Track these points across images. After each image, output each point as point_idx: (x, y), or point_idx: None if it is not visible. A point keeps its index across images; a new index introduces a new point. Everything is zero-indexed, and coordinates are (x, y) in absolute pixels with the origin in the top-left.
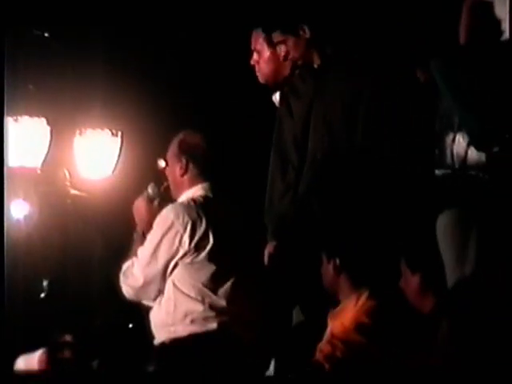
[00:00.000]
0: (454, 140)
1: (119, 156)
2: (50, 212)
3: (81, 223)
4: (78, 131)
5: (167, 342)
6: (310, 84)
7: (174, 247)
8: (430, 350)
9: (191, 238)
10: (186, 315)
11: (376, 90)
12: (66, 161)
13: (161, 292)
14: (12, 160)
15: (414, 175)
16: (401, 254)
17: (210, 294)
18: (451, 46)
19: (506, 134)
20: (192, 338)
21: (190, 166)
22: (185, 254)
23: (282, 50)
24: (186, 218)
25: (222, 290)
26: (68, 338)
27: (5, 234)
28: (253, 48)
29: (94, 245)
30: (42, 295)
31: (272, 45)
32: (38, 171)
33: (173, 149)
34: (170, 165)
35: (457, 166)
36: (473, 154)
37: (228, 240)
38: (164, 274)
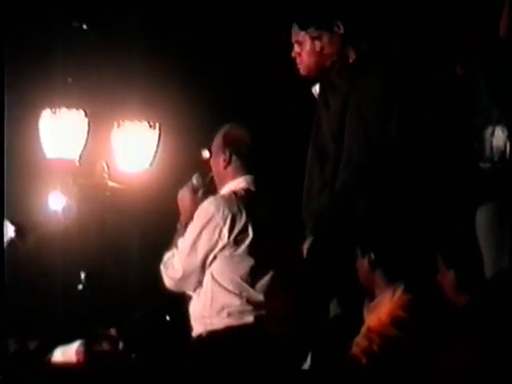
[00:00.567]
0: (493, 133)
1: (157, 148)
2: (88, 204)
3: (118, 216)
4: (115, 123)
5: (204, 334)
6: (345, 79)
7: (214, 240)
8: (467, 345)
9: (230, 231)
10: (222, 308)
11: (412, 85)
12: (104, 153)
13: (200, 284)
14: (50, 152)
15: (452, 170)
16: (436, 249)
17: (248, 287)
18: (491, 41)
19: None
20: (228, 331)
21: (233, 158)
22: (224, 247)
23: (317, 45)
24: (226, 211)
25: (260, 285)
26: (106, 330)
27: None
28: (294, 40)
29: (131, 237)
30: (80, 287)
31: (315, 37)
32: (77, 164)
33: (217, 140)
34: (214, 156)
35: (496, 159)
36: None
37: (267, 234)
38: (203, 266)
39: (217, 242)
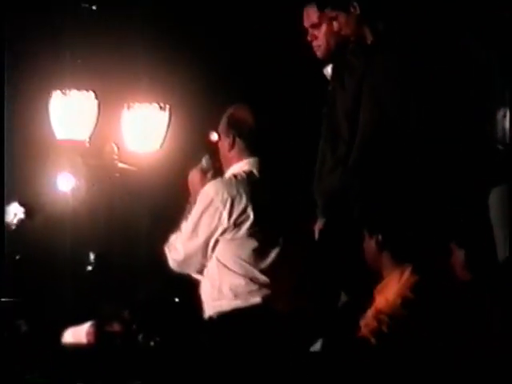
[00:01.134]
0: (505, 116)
1: (167, 130)
2: (98, 185)
3: (128, 197)
4: (125, 105)
5: (214, 316)
6: (361, 59)
7: (214, 224)
8: (476, 327)
9: (230, 214)
10: (230, 289)
11: (428, 66)
12: (114, 134)
13: (205, 266)
14: (60, 133)
15: (465, 151)
16: (446, 230)
17: (252, 269)
18: (506, 22)
19: None
20: (236, 313)
21: (237, 140)
22: (225, 231)
23: (335, 25)
24: (226, 195)
25: (265, 265)
26: (118, 312)
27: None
28: (308, 24)
29: (141, 218)
30: (89, 268)
31: (329, 18)
32: (87, 144)
33: (223, 123)
34: (220, 139)
35: (508, 141)
36: None
37: (271, 216)
38: (205, 249)
39: (217, 225)
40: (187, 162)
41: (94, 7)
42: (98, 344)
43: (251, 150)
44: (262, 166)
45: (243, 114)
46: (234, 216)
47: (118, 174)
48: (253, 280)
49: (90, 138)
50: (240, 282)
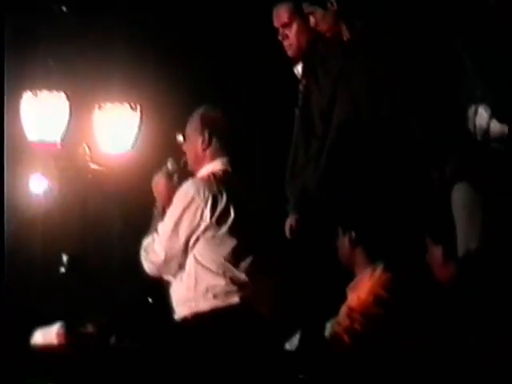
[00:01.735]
0: (476, 113)
1: (139, 130)
2: (70, 187)
3: (101, 198)
4: (97, 105)
5: (189, 317)
6: (338, 57)
7: (196, 221)
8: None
9: (212, 212)
10: (207, 290)
11: (403, 66)
12: (86, 135)
13: (181, 267)
14: (32, 135)
15: (436, 149)
16: (420, 226)
17: (232, 267)
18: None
19: None
20: (214, 313)
21: (213, 140)
22: (206, 229)
23: (311, 21)
24: (207, 193)
25: (243, 265)
26: (89, 313)
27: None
28: (279, 24)
29: (113, 220)
30: (62, 270)
31: (302, 16)
32: (58, 146)
33: (194, 123)
34: (190, 139)
35: (479, 139)
36: (495, 127)
37: (248, 214)
38: (185, 249)
39: (199, 223)
40: (159, 163)
41: (64, 9)
42: (68, 345)
43: (226, 149)
44: (236, 165)
45: (216, 113)
46: (216, 213)
47: (90, 176)
48: (232, 279)
49: (61, 140)
50: (219, 281)
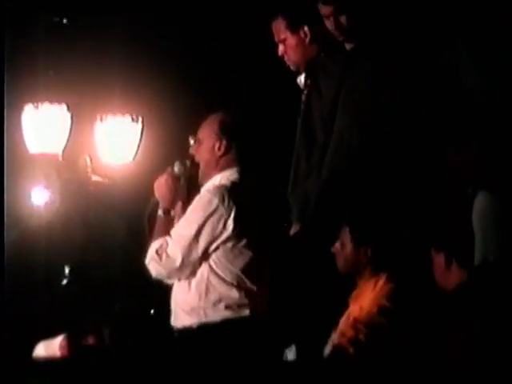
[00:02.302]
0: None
1: (140, 141)
2: (72, 198)
3: (102, 209)
4: (98, 117)
5: (195, 326)
6: (339, 65)
7: (218, 231)
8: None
9: (235, 222)
10: (220, 300)
11: (404, 71)
12: (87, 147)
13: (193, 274)
14: (33, 147)
15: (440, 155)
16: (425, 236)
17: (246, 280)
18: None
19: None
20: (224, 324)
21: (232, 147)
22: (227, 239)
23: (305, 32)
24: (231, 203)
25: (256, 277)
26: (91, 324)
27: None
28: (277, 40)
29: (115, 231)
30: (64, 282)
31: (295, 29)
32: (60, 158)
33: (212, 127)
34: (204, 144)
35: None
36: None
37: (263, 226)
38: (203, 257)
39: (221, 233)
40: (160, 173)
41: (65, 21)
42: (71, 357)
43: (244, 157)
44: (252, 176)
45: (237, 120)
46: (239, 225)
47: (91, 187)
48: (245, 292)
49: (63, 151)
50: (233, 292)
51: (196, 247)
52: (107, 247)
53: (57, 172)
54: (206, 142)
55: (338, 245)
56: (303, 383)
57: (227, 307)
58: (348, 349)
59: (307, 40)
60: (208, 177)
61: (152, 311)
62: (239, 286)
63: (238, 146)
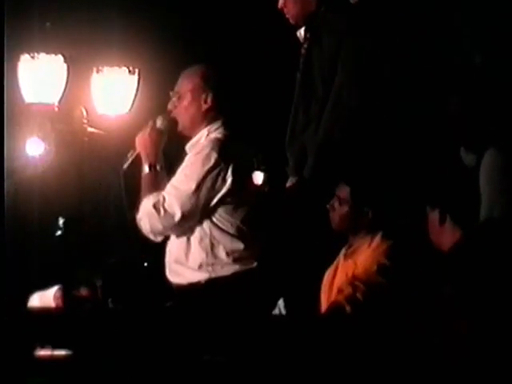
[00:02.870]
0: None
1: (136, 93)
2: (67, 150)
3: (97, 161)
4: (95, 69)
5: (203, 281)
6: (343, 19)
7: (218, 184)
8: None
9: (234, 175)
10: (227, 254)
11: (408, 30)
12: (84, 98)
13: (191, 230)
14: (29, 97)
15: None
16: (420, 193)
17: (248, 231)
18: None
19: None
20: (235, 278)
21: (216, 100)
22: (227, 192)
23: None
24: (229, 156)
25: (255, 228)
26: (86, 276)
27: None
28: None
29: (110, 182)
30: (58, 233)
31: None
32: (56, 108)
33: (193, 81)
34: (187, 98)
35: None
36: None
37: (251, 178)
38: (203, 211)
39: (220, 187)
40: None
41: None
42: (65, 308)
43: (228, 110)
44: (239, 127)
45: (220, 73)
46: (238, 178)
47: (86, 139)
48: (250, 243)
49: (59, 102)
50: (238, 245)
51: (197, 202)
52: (101, 199)
53: (52, 123)
54: (189, 96)
55: (334, 202)
56: (299, 340)
57: (235, 260)
58: (345, 306)
59: None
60: (192, 131)
61: (145, 264)
62: (243, 238)
63: (224, 98)
